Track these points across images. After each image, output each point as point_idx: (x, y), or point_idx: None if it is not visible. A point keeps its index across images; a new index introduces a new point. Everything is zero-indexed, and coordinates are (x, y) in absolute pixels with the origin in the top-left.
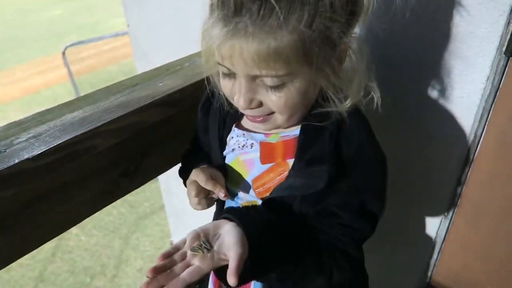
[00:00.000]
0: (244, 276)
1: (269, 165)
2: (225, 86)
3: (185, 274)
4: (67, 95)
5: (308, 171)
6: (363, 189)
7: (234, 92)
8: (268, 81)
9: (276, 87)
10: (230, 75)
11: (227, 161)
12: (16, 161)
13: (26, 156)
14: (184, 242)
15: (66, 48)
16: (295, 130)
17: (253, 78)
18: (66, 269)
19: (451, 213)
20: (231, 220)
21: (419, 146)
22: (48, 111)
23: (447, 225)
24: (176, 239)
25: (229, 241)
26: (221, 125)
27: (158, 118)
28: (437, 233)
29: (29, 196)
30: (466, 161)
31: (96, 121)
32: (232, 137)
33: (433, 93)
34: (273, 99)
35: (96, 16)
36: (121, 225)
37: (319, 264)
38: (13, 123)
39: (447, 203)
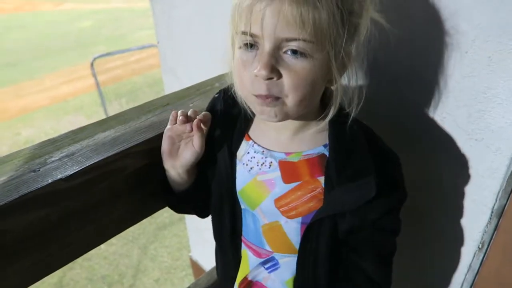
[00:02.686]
0: None
1: (294, 184)
2: (243, 62)
3: None
4: (94, 105)
5: (356, 184)
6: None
7: (253, 67)
8: (294, 45)
9: (298, 56)
10: (253, 45)
11: (242, 181)
12: (50, 181)
13: (59, 176)
14: None
15: (94, 59)
16: (317, 149)
17: (278, 48)
18: (84, 276)
19: (486, 246)
20: None
21: (455, 173)
22: (80, 129)
23: (481, 258)
24: (195, 253)
25: None
26: (231, 138)
27: None
28: (470, 265)
29: (60, 215)
30: (504, 192)
31: (128, 141)
32: (248, 152)
33: (475, 124)
34: (291, 73)
35: (123, 28)
36: (140, 235)
37: None
38: (47, 141)
39: (482, 235)
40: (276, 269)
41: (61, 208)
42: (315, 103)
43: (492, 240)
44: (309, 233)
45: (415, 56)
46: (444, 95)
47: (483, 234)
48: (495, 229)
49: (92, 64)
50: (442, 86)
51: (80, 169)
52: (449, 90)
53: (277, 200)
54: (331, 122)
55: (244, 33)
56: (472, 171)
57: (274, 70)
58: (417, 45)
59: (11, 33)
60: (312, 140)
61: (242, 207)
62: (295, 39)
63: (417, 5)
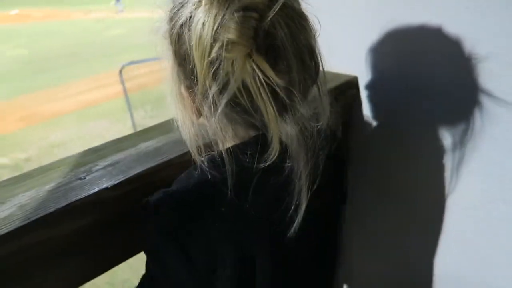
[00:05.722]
0: None
1: None
2: None
3: None
4: (119, 111)
5: None
6: None
7: None
8: None
9: None
10: None
11: None
12: (96, 189)
13: (105, 185)
14: None
15: (123, 67)
16: None
17: None
18: (106, 281)
19: None
20: None
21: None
22: (122, 139)
23: None
24: None
25: None
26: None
27: None
28: None
29: (103, 223)
30: None
31: (169, 152)
32: None
33: None
34: None
35: (151, 36)
36: None
37: None
38: (90, 150)
39: None
40: None
41: (104, 216)
42: None
43: None
44: None
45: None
46: None
47: None
48: None
49: (120, 72)
50: None
51: (124, 178)
52: None
53: None
54: None
55: None
56: None
57: None
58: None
59: (43, 41)
60: None
61: None
62: None
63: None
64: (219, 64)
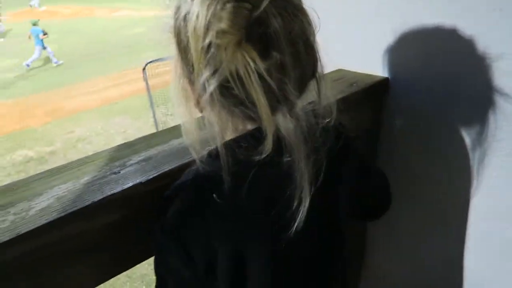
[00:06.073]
0: None
1: None
2: None
3: None
4: (141, 108)
5: None
6: None
7: None
8: None
9: None
10: None
11: None
12: (130, 184)
13: (138, 180)
14: None
15: (147, 64)
16: None
17: None
18: (125, 274)
19: None
20: None
21: None
22: (154, 135)
23: None
24: None
25: None
26: None
27: None
28: None
29: (134, 218)
30: None
31: None
32: None
33: None
34: None
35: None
36: None
37: None
38: (124, 145)
39: None
40: None
41: (135, 211)
42: None
43: None
44: None
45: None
46: None
47: None
48: None
49: (144, 69)
50: None
51: (157, 174)
52: None
53: None
54: None
55: None
56: None
57: None
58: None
59: (68, 37)
60: None
61: None
62: None
63: None
64: (212, 52)
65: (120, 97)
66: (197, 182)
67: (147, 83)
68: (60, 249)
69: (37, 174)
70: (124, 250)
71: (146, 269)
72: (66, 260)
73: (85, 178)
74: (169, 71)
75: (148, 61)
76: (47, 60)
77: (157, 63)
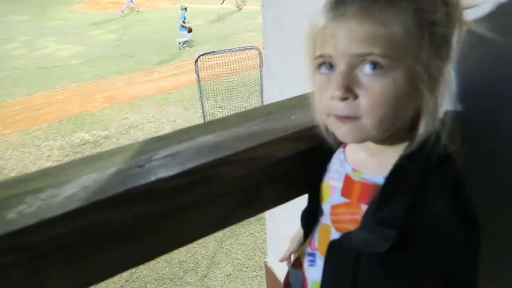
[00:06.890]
0: None
1: (345, 200)
2: (320, 86)
3: None
4: (192, 99)
5: (375, 229)
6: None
7: (329, 89)
8: (368, 60)
9: (375, 72)
10: (329, 66)
11: (324, 178)
12: (153, 178)
13: (161, 176)
14: None
15: (199, 57)
16: (377, 178)
17: (353, 67)
18: (164, 259)
19: None
20: None
21: None
22: (185, 130)
23: None
24: (270, 260)
25: None
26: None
27: (287, 153)
28: None
29: (156, 212)
30: None
31: (228, 148)
32: (335, 163)
33: None
34: (368, 93)
35: (228, 29)
36: None
37: None
38: (156, 138)
39: None
40: (313, 265)
41: (157, 206)
42: (401, 127)
43: None
44: (331, 252)
45: None
46: None
47: None
48: None
49: (196, 61)
50: None
51: (181, 171)
52: None
53: (332, 207)
54: (405, 155)
55: (319, 56)
56: None
57: (349, 91)
58: None
59: (130, 28)
60: (379, 167)
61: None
62: (368, 54)
63: None
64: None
65: (175, 87)
66: None
67: (198, 75)
68: (85, 236)
69: (72, 161)
70: (150, 241)
71: (184, 256)
72: (90, 248)
73: (112, 169)
74: (221, 64)
75: (201, 53)
76: (110, 48)
77: (209, 56)
